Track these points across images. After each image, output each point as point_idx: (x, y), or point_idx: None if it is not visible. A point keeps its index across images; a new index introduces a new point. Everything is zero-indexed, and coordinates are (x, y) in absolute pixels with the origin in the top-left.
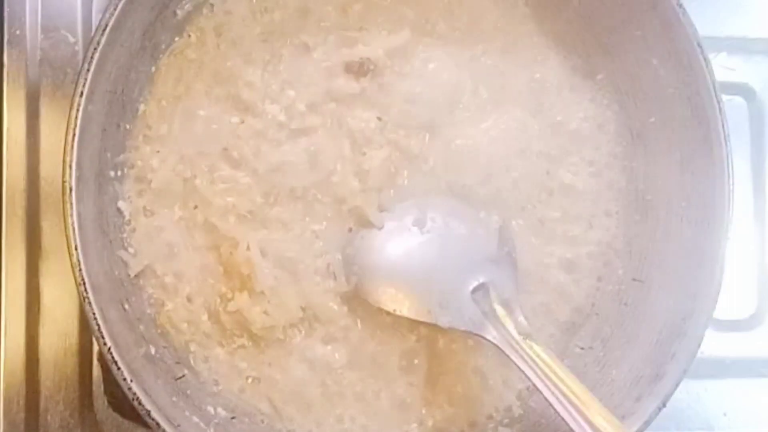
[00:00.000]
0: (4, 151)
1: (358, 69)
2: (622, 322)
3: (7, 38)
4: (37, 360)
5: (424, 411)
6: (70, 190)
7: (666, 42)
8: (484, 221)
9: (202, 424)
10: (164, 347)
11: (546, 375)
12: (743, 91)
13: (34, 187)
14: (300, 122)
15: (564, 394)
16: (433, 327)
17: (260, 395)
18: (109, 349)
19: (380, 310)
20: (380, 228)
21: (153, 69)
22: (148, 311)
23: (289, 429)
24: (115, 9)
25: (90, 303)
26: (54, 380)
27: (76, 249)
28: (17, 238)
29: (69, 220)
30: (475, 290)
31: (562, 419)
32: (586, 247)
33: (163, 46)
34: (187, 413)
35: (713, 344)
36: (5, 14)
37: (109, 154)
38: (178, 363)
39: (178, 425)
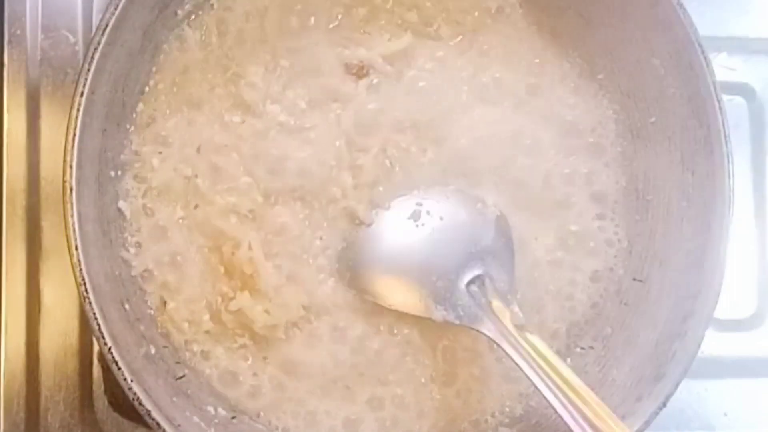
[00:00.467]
0: (4, 151)
1: (358, 70)
2: (622, 322)
3: (7, 38)
4: (38, 360)
5: (424, 410)
6: (71, 190)
7: (666, 42)
8: (481, 211)
9: (202, 424)
10: (165, 347)
11: (541, 368)
12: (743, 91)
13: (34, 187)
14: (301, 122)
15: (560, 389)
16: (436, 324)
17: (261, 395)
18: (110, 349)
19: (383, 307)
20: (369, 225)
21: (153, 69)
22: (149, 311)
23: (289, 429)
24: (115, 9)
25: (90, 303)
26: (54, 380)
27: (76, 249)
28: (17, 238)
29: (69, 220)
30: (470, 282)
31: (559, 416)
32: (586, 247)
33: (163, 46)
34: (187, 413)
35: (713, 344)
36: (5, 14)
37: (109, 154)
38: (178, 363)
39: (179, 425)
